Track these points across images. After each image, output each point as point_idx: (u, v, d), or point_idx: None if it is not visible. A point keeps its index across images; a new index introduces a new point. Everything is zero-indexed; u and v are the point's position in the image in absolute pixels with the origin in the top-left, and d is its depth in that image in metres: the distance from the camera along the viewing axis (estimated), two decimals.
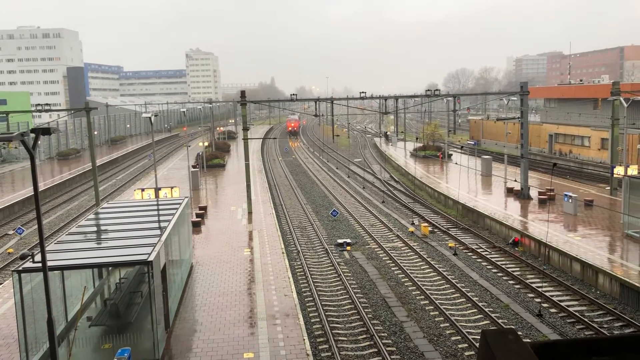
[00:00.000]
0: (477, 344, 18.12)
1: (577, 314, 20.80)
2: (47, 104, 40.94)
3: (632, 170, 35.85)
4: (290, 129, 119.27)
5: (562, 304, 21.78)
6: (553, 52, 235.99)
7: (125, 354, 13.49)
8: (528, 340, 1.60)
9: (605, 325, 20.06)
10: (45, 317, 12.53)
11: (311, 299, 23.29)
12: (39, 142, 12.38)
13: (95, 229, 20.45)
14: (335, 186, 52.64)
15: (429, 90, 39.22)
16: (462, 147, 64.62)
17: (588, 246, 26.65)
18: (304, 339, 17.27)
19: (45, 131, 12.24)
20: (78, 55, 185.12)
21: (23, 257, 15.19)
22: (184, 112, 77.68)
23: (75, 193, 51.89)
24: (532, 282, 24.48)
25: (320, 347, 18.73)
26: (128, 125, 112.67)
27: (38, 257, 12.96)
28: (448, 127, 67.05)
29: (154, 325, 15.56)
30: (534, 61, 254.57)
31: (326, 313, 21.57)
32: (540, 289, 23.34)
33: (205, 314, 19.41)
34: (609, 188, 40.15)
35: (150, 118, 33.22)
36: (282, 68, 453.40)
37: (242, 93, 38.81)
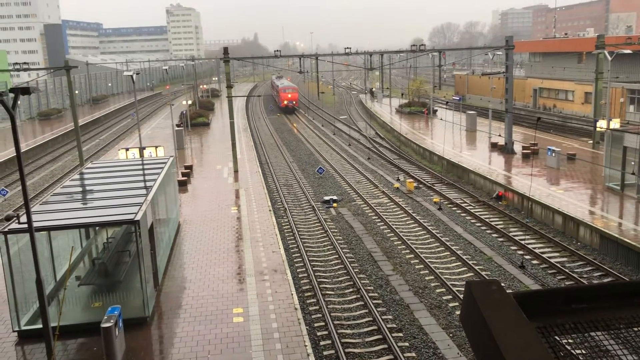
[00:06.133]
0: (461, 296, 18.59)
1: (558, 265, 21.34)
2: (25, 63, 39.87)
3: (615, 124, 36.18)
4: (286, 102, 78.05)
5: (543, 255, 22.31)
6: (539, 5, 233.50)
7: (116, 312, 13.64)
8: (511, 291, 1.65)
9: (585, 275, 20.63)
10: (33, 277, 12.58)
11: (299, 255, 23.58)
12: (19, 102, 12.15)
13: (80, 189, 20.32)
14: (321, 144, 52.57)
15: (414, 45, 38.81)
16: (447, 102, 64.55)
17: (570, 199, 27.10)
18: (292, 294, 17.57)
19: (25, 91, 12.01)
20: (55, 12, 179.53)
21: (8, 219, 15.14)
22: (166, 70, 76.48)
23: (58, 153, 51.32)
24: (515, 235, 24.97)
25: (308, 302, 19.09)
26: (109, 84, 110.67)
27: (23, 218, 12.92)
28: (433, 82, 66.67)
29: (143, 283, 15.70)
30: (519, 15, 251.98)
31: (313, 268, 21.90)
32: (522, 242, 23.84)
33: (194, 272, 19.60)
34: (591, 142, 40.56)
35: (131, 76, 32.69)
36: (265, 24, 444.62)
37: (225, 50, 38.16)
